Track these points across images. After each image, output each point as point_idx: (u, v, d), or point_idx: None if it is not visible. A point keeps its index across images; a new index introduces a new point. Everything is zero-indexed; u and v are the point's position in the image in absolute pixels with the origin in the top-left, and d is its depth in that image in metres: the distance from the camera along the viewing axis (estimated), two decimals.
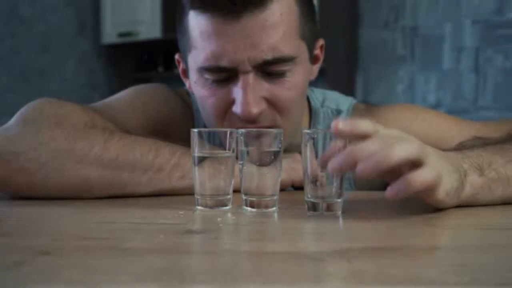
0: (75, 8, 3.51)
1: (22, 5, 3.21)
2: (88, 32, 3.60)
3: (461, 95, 2.57)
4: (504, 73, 2.46)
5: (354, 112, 0.88)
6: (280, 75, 0.72)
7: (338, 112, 0.88)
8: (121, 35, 3.46)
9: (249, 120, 0.71)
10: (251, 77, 0.71)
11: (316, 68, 0.83)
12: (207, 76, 0.73)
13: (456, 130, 0.80)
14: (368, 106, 0.91)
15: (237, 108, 0.71)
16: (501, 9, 2.44)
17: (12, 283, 0.34)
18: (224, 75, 0.72)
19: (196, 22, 0.71)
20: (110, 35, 3.51)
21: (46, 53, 3.34)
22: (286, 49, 0.71)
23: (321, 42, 0.83)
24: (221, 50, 0.70)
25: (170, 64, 3.54)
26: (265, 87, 0.72)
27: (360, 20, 2.85)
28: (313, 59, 0.81)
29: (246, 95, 0.70)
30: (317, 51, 0.82)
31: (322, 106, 0.89)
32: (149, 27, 3.35)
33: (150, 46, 3.56)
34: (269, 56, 0.70)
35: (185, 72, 0.81)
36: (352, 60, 2.85)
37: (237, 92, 0.71)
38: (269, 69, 0.71)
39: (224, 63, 0.70)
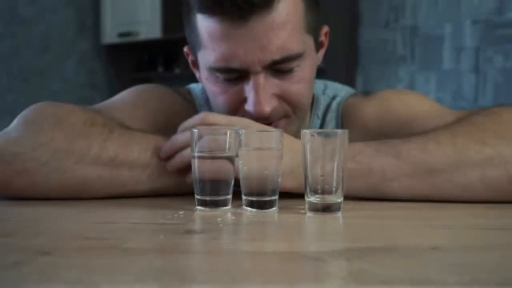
0: (75, 8, 3.52)
1: (22, 5, 3.21)
2: (88, 32, 3.60)
3: (461, 95, 2.57)
4: (504, 73, 2.45)
5: (350, 99, 0.90)
6: (289, 71, 0.74)
7: (333, 98, 0.91)
8: (121, 35, 3.46)
9: (262, 118, 0.73)
10: (261, 77, 0.72)
11: (321, 54, 0.84)
12: (218, 75, 0.74)
13: (425, 111, 0.81)
14: (363, 93, 0.94)
15: (249, 107, 0.73)
16: (501, 9, 2.44)
17: (12, 283, 0.34)
18: (235, 75, 0.73)
19: (204, 24, 0.72)
20: (110, 35, 3.51)
21: (46, 53, 3.34)
22: (294, 47, 0.72)
23: (325, 29, 0.84)
24: (231, 53, 0.71)
25: (170, 64, 3.54)
26: (275, 84, 0.74)
27: (360, 20, 2.86)
28: (318, 46, 0.82)
29: (258, 95, 0.72)
30: (322, 38, 0.84)
31: (323, 93, 0.93)
32: (149, 27, 3.35)
33: (150, 46, 3.56)
34: (278, 56, 0.71)
35: (195, 63, 0.82)
36: (352, 60, 2.85)
37: (249, 91, 0.73)
38: (278, 68, 0.73)
39: (235, 65, 0.71)
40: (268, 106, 0.72)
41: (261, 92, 0.72)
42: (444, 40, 2.61)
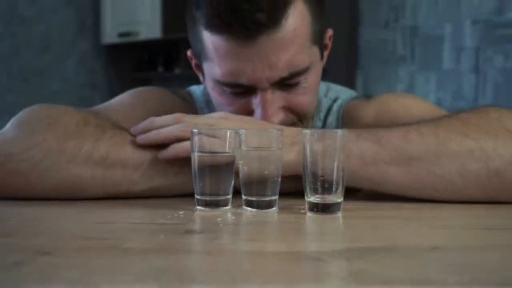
0: (75, 8, 3.52)
1: (22, 5, 3.21)
2: (88, 32, 3.60)
3: (461, 95, 2.57)
4: (504, 73, 2.45)
5: (351, 101, 0.91)
6: (296, 84, 0.74)
7: (335, 101, 0.92)
8: (121, 35, 3.46)
9: None
10: (269, 93, 0.73)
11: (325, 57, 0.84)
12: (224, 88, 0.75)
13: (422, 111, 0.81)
14: (364, 96, 0.94)
15: None
16: (501, 9, 2.44)
17: (12, 283, 0.34)
18: (241, 89, 0.74)
19: (211, 40, 0.72)
20: (110, 35, 3.51)
21: (46, 53, 3.35)
22: (301, 62, 0.73)
23: (330, 32, 0.83)
24: (239, 70, 0.71)
25: (170, 64, 3.54)
26: (282, 97, 0.74)
27: (360, 20, 2.85)
28: (323, 53, 0.82)
29: (266, 110, 0.73)
30: (326, 41, 0.83)
31: (325, 96, 0.93)
32: (149, 27, 3.35)
33: (150, 46, 3.56)
34: (285, 73, 0.72)
35: (198, 67, 0.82)
36: (352, 60, 2.85)
37: (256, 106, 0.74)
38: (286, 83, 0.73)
39: (242, 81, 0.72)
40: (276, 120, 0.73)
41: (268, 108, 0.73)
42: (444, 40, 2.61)
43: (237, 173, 0.60)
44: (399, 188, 0.64)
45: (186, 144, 0.63)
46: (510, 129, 0.62)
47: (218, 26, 0.69)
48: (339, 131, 0.56)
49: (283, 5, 0.69)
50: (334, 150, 0.56)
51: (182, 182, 0.66)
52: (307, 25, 0.73)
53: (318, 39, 0.76)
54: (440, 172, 0.62)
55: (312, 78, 0.76)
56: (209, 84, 0.78)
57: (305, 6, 0.72)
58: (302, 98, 0.76)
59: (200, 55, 0.77)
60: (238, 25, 0.67)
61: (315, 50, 0.76)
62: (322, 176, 0.56)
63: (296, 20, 0.71)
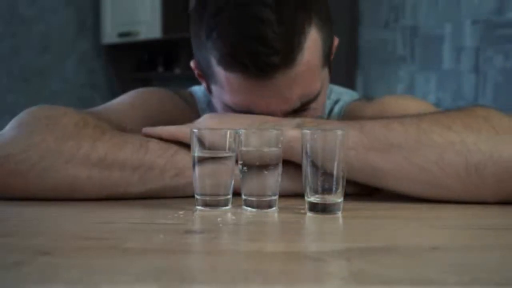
0: (75, 8, 3.52)
1: (22, 5, 3.21)
2: (88, 32, 3.60)
3: (461, 95, 2.57)
4: (504, 73, 2.45)
5: (353, 103, 0.92)
6: (307, 109, 0.75)
7: (336, 102, 0.93)
8: (121, 35, 3.46)
9: None
10: None
11: (331, 62, 0.84)
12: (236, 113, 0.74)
13: (416, 111, 0.81)
14: (366, 98, 0.95)
15: None
16: (501, 9, 2.44)
17: (12, 283, 0.34)
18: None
19: (223, 74, 0.71)
20: (110, 35, 3.51)
21: (46, 53, 3.35)
22: (313, 90, 0.73)
23: (336, 42, 0.82)
24: (252, 103, 0.71)
25: (170, 64, 3.55)
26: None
27: (360, 20, 2.86)
28: (330, 62, 0.82)
29: None
30: (332, 50, 0.83)
31: (328, 98, 0.94)
32: (149, 27, 3.35)
33: (150, 46, 3.56)
34: (298, 104, 0.72)
35: (202, 76, 0.81)
36: (352, 60, 2.85)
37: None
38: (298, 109, 0.74)
39: (255, 111, 0.72)
40: None
41: None
42: (444, 40, 2.61)
43: (237, 173, 0.60)
44: (377, 176, 0.63)
45: (171, 127, 0.66)
46: (495, 126, 0.62)
47: (232, 65, 0.69)
48: (339, 131, 0.56)
49: (299, 42, 0.68)
50: (334, 150, 0.56)
51: (179, 185, 0.66)
52: (319, 51, 0.72)
53: (327, 60, 0.76)
54: (419, 162, 0.61)
55: (321, 98, 0.76)
56: (218, 104, 0.77)
57: (319, 34, 0.72)
58: (312, 117, 0.76)
59: (208, 77, 0.76)
60: (253, 67, 0.67)
61: (326, 71, 0.76)
62: (322, 176, 0.56)
63: (311, 51, 0.70)
